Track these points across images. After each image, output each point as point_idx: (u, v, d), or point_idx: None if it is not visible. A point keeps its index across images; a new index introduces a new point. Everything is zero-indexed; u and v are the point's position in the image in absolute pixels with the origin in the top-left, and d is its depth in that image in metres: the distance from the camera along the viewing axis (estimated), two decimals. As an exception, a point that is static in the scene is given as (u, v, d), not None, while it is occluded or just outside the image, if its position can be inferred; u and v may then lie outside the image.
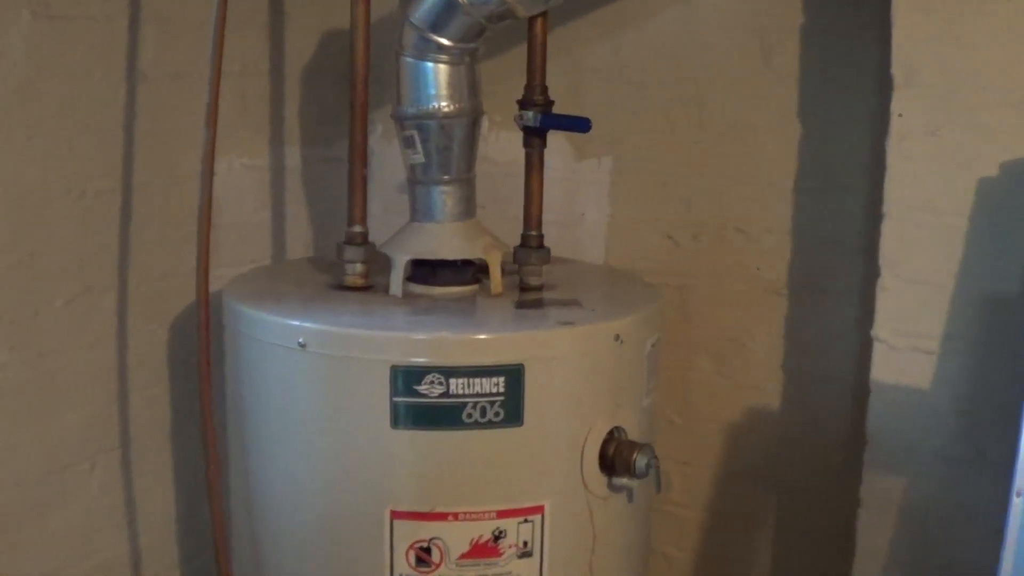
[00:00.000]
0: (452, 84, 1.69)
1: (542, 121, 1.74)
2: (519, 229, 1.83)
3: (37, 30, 1.70)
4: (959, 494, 1.73)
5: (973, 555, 1.72)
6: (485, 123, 2.10)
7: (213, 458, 1.61)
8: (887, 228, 1.73)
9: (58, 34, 1.74)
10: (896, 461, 1.77)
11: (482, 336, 1.56)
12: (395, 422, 1.52)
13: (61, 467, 1.85)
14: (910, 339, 1.73)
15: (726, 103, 2.05)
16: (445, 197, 1.73)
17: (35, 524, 1.81)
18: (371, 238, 1.77)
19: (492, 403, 1.51)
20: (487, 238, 1.75)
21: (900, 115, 1.70)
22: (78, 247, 1.83)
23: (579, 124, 1.73)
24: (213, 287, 2.08)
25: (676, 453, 2.12)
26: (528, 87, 1.77)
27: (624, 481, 1.62)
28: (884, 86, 1.79)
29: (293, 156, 2.26)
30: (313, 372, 1.57)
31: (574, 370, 1.58)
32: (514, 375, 1.52)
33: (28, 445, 1.78)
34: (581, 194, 2.15)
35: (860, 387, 1.95)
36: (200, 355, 1.61)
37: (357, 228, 1.75)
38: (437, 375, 1.50)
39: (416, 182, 1.74)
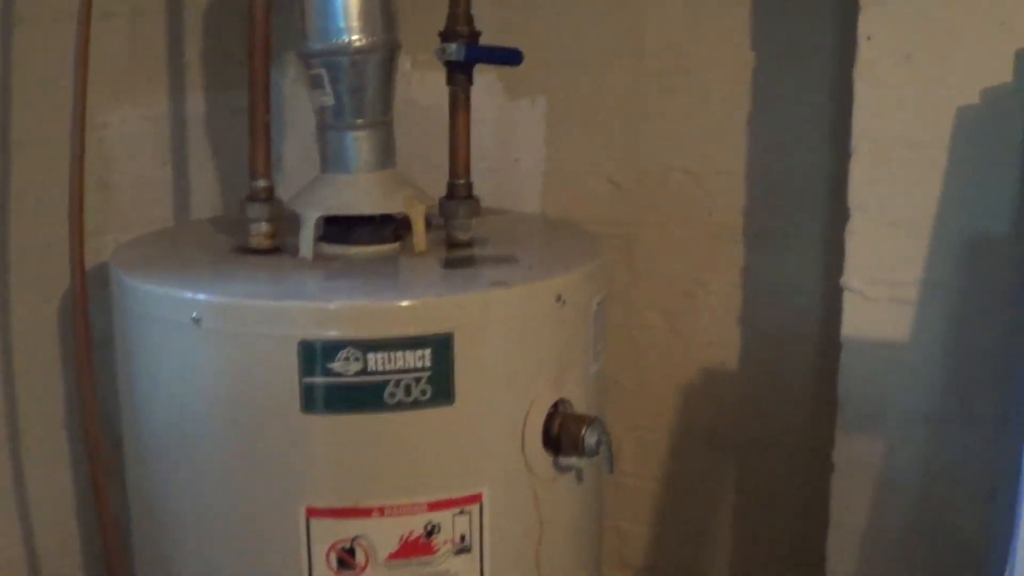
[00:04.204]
0: (364, 14, 1.51)
1: (467, 54, 1.55)
2: (445, 178, 1.66)
3: None
4: (944, 455, 1.63)
5: (962, 520, 1.62)
6: (407, 62, 1.94)
7: (98, 463, 1.42)
8: (855, 165, 1.61)
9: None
10: (872, 423, 1.65)
11: (404, 303, 1.38)
12: (306, 406, 1.35)
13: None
14: (885, 288, 1.62)
15: (670, 34, 1.92)
16: (359, 144, 1.56)
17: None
18: (288, 193, 1.60)
19: (418, 380, 1.34)
20: (408, 189, 1.57)
21: (869, 38, 1.56)
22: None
23: (509, 57, 1.56)
24: (103, 256, 1.92)
25: (627, 419, 2.01)
26: (451, 16, 1.57)
27: (572, 461, 1.46)
28: (848, 8, 1.65)
29: (196, 105, 2.05)
30: (210, 352, 1.39)
31: (511, 337, 1.42)
32: (442, 346, 1.34)
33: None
34: (515, 138, 2.03)
35: (826, 341, 1.86)
36: (78, 341, 1.41)
37: (261, 183, 1.58)
38: (353, 350, 1.32)
39: (326, 127, 1.57)
